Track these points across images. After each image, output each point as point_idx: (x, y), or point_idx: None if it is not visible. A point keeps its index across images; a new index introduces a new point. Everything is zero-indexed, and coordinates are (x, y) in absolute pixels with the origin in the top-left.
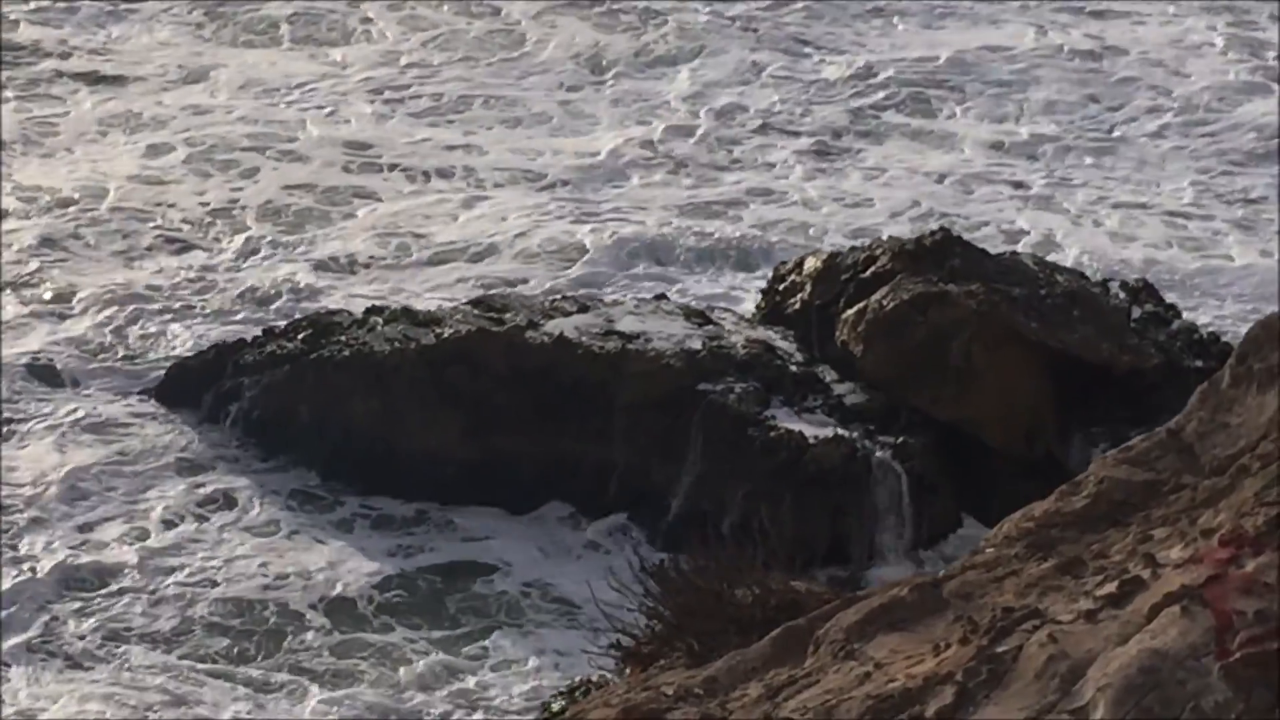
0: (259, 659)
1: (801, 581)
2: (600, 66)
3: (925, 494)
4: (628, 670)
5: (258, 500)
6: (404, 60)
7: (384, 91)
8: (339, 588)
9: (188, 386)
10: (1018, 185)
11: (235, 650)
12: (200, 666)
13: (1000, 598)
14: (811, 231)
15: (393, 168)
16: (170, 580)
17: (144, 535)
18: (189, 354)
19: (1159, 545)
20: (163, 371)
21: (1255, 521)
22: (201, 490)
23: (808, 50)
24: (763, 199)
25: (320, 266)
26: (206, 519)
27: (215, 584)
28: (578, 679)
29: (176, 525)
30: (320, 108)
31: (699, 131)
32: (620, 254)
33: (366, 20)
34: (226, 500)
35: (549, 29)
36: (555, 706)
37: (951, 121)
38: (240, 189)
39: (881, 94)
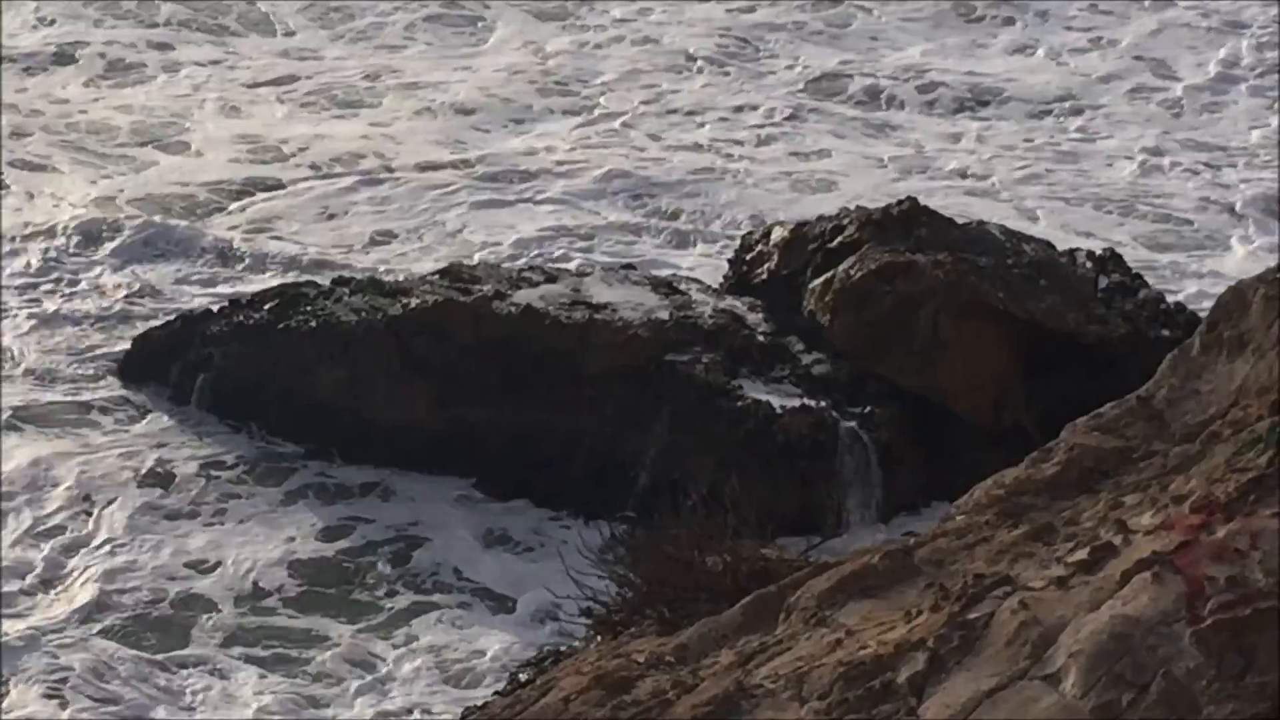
0: (179, 643)
1: (772, 549)
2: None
3: (893, 463)
4: (598, 638)
5: (214, 474)
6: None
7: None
8: (274, 565)
9: (153, 358)
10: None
11: (154, 634)
12: (118, 651)
13: (972, 565)
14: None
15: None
16: (104, 558)
17: (89, 513)
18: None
19: (1130, 512)
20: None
21: (1226, 488)
22: (158, 464)
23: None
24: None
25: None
26: (156, 494)
27: (136, 567)
28: (545, 649)
29: (124, 501)
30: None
31: (622, 121)
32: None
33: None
34: (180, 476)
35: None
36: (522, 677)
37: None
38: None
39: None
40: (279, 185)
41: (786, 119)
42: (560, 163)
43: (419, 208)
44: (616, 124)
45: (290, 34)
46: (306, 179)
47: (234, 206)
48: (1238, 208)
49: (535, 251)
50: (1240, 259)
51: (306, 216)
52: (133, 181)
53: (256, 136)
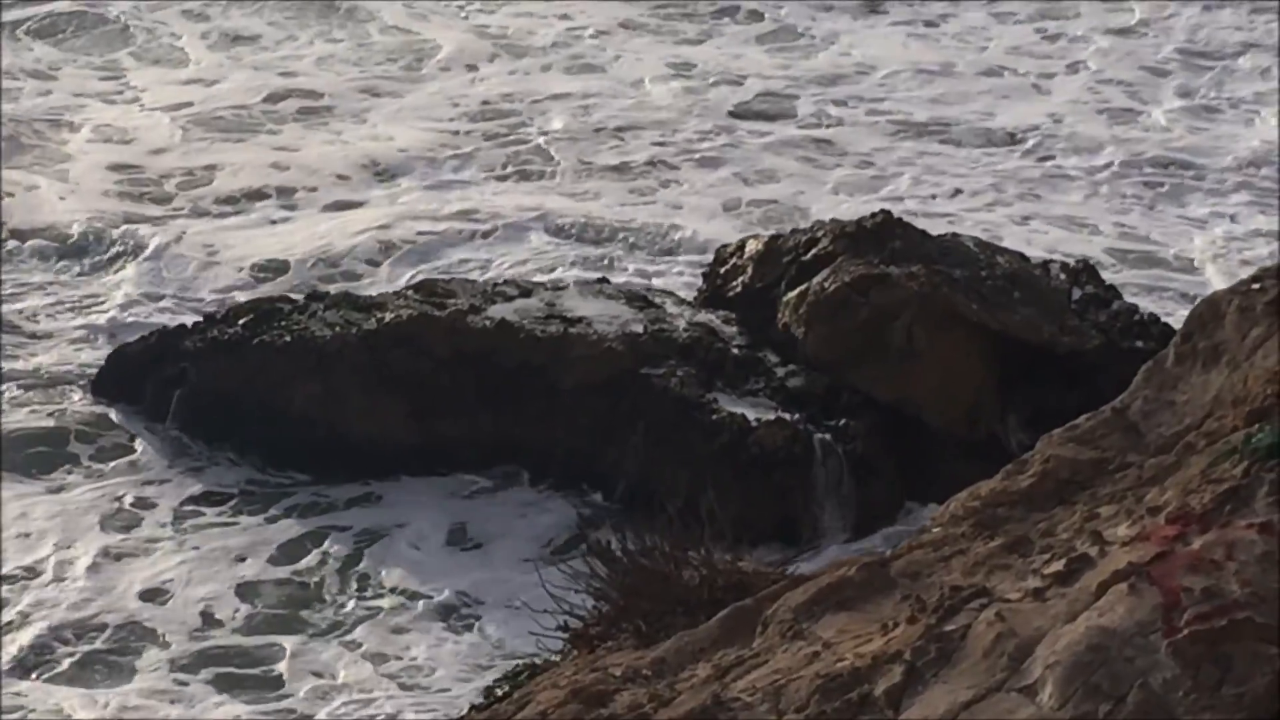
0: (125, 678)
1: (748, 562)
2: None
3: (868, 475)
4: (575, 652)
5: (184, 493)
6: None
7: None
8: (239, 585)
9: (128, 373)
10: None
11: (104, 667)
12: (61, 687)
13: (948, 577)
14: None
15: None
16: (70, 582)
17: (52, 537)
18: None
19: (1106, 523)
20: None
21: (1202, 499)
22: (130, 484)
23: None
24: None
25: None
26: (128, 515)
27: (95, 595)
28: (520, 663)
29: (89, 525)
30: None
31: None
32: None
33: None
34: (149, 495)
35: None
36: (499, 691)
37: None
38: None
39: None
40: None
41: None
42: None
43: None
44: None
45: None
46: (191, 209)
47: (115, 234)
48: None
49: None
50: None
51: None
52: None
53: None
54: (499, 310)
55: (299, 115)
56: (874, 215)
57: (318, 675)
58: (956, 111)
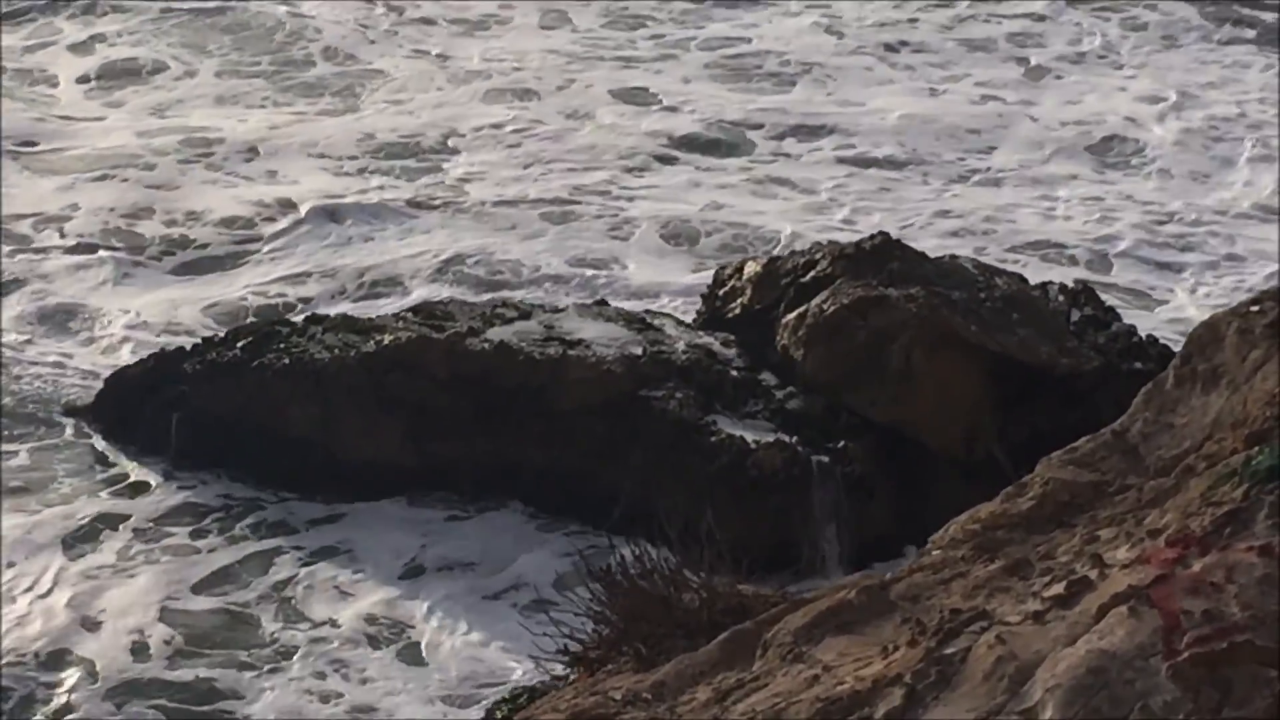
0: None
1: (748, 585)
2: None
3: (866, 497)
4: (575, 675)
5: (175, 515)
6: None
7: None
8: (202, 610)
9: (128, 397)
10: None
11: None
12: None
13: (948, 599)
14: None
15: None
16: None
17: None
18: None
19: (1106, 546)
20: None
21: (1201, 522)
22: (105, 505)
23: None
24: None
25: None
26: (95, 537)
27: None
28: (519, 686)
29: (79, 545)
30: None
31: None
32: None
33: None
34: (123, 515)
35: None
36: (499, 715)
37: None
38: None
39: None
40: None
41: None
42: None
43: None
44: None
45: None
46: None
47: None
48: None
49: None
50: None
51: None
52: None
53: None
54: (498, 332)
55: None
56: (872, 237)
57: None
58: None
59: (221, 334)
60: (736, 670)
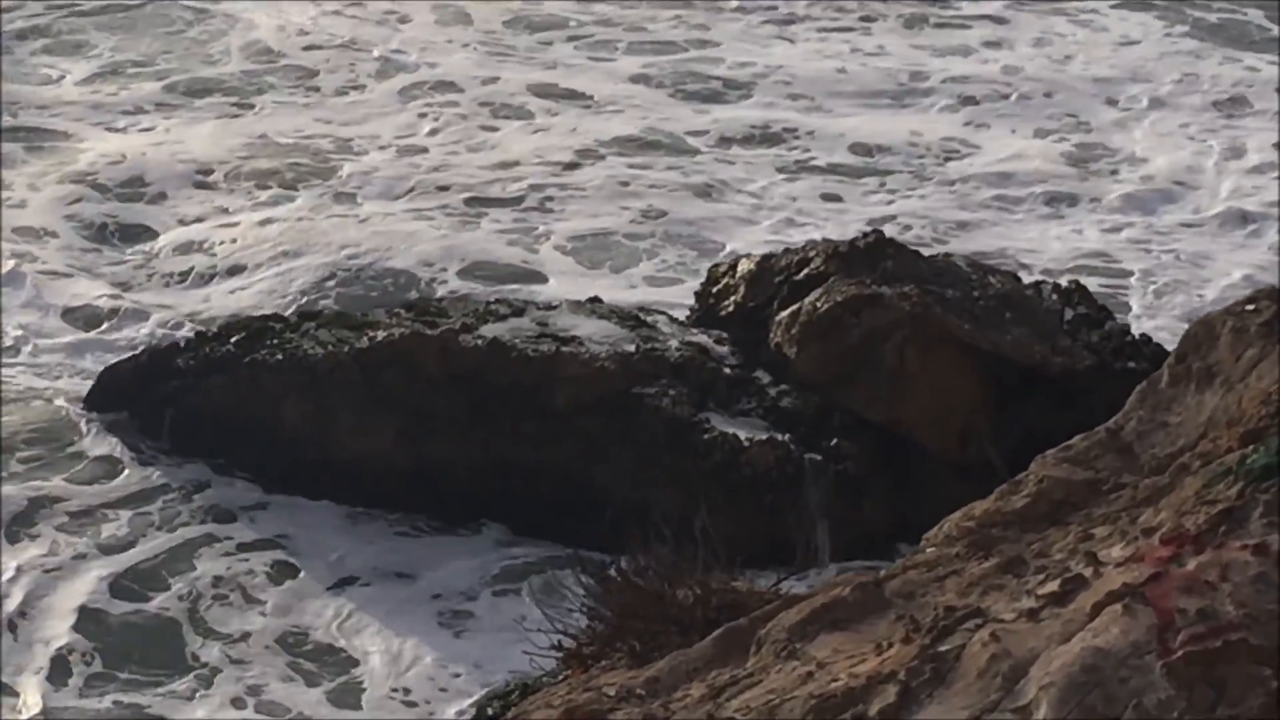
0: None
1: (742, 582)
2: None
3: (859, 495)
4: (568, 671)
5: (157, 509)
6: None
7: None
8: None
9: (120, 391)
10: None
11: None
12: None
13: (942, 597)
14: None
15: None
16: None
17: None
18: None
19: (1100, 544)
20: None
21: (1196, 520)
22: (92, 504)
23: None
24: None
25: None
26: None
27: None
28: (511, 683)
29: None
30: None
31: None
32: None
33: None
34: (117, 508)
35: None
36: (490, 710)
37: None
38: None
39: None
40: None
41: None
42: None
43: None
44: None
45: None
46: None
47: None
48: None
49: None
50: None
51: None
52: None
53: None
54: (491, 329)
55: None
56: (866, 235)
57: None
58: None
59: (214, 329)
60: (730, 667)
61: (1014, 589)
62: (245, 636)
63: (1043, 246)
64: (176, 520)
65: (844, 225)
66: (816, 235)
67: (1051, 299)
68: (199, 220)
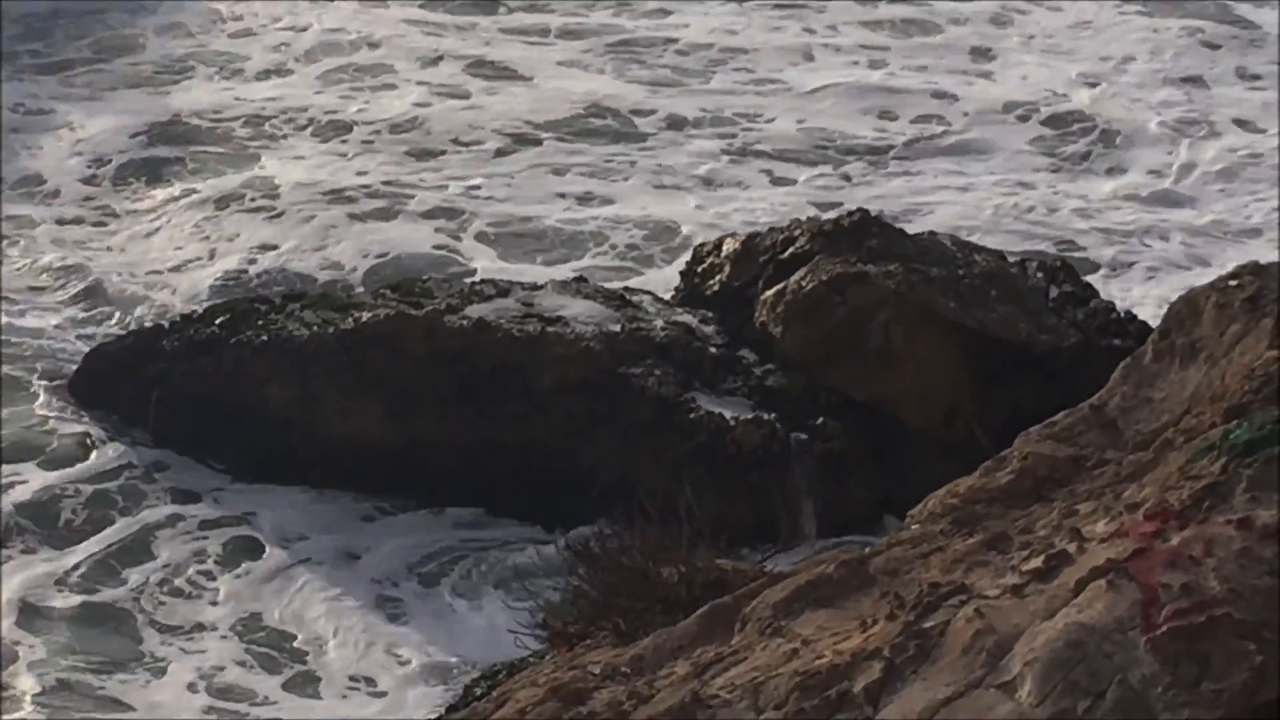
0: None
1: (727, 560)
2: None
3: (845, 474)
4: (553, 650)
5: (132, 496)
6: None
7: None
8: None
9: (106, 374)
10: None
11: None
12: None
13: (926, 574)
14: None
15: None
16: None
17: None
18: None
19: (1084, 520)
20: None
21: (1180, 495)
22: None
23: None
24: None
25: None
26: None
27: None
28: (497, 663)
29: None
30: None
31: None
32: None
33: None
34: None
35: None
36: (477, 690)
37: None
38: None
39: None
40: None
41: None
42: None
43: None
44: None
45: None
46: None
47: None
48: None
49: None
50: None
51: None
52: None
53: None
54: (476, 310)
55: None
56: (851, 214)
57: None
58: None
59: (199, 310)
60: (715, 644)
61: (998, 565)
62: (200, 627)
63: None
64: (141, 504)
65: (796, 210)
66: (766, 220)
67: (1037, 277)
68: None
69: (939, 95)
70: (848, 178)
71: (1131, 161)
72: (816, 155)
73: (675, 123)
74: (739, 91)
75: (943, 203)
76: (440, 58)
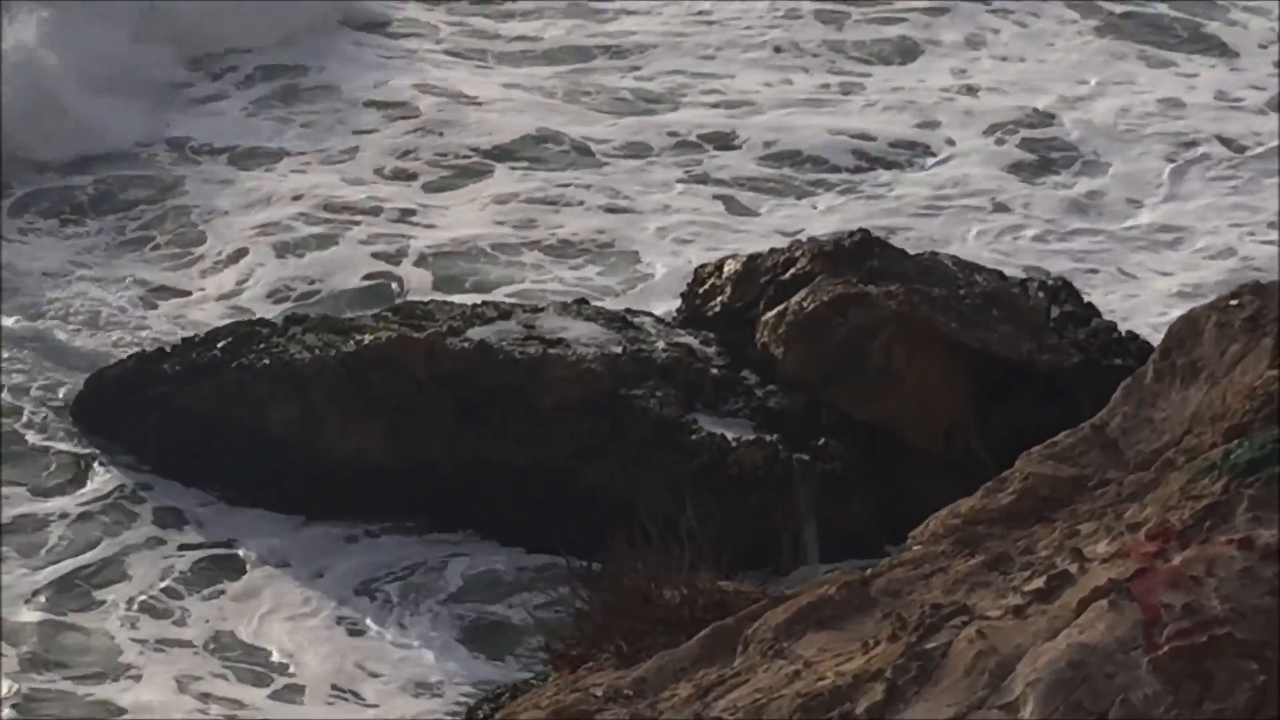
0: None
1: (729, 582)
2: None
3: (847, 493)
4: (555, 672)
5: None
6: None
7: None
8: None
9: (108, 398)
10: None
11: None
12: None
13: (928, 595)
14: None
15: None
16: None
17: None
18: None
19: (1085, 540)
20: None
21: (1181, 515)
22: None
23: None
24: None
25: None
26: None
27: None
28: (499, 686)
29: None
30: None
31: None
32: None
33: None
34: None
35: None
36: (480, 713)
37: None
38: None
39: None
40: None
41: None
42: None
43: None
44: None
45: None
46: None
47: None
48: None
49: None
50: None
51: None
52: None
53: None
54: (478, 332)
55: None
56: (852, 234)
57: None
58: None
59: (201, 335)
60: (717, 666)
61: (1000, 586)
62: (177, 642)
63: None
64: (127, 526)
65: (757, 240)
66: (727, 249)
67: (1038, 296)
68: None
69: (914, 117)
70: (814, 206)
71: (1109, 183)
72: (784, 181)
73: (634, 148)
74: (704, 114)
75: (912, 229)
76: (387, 80)
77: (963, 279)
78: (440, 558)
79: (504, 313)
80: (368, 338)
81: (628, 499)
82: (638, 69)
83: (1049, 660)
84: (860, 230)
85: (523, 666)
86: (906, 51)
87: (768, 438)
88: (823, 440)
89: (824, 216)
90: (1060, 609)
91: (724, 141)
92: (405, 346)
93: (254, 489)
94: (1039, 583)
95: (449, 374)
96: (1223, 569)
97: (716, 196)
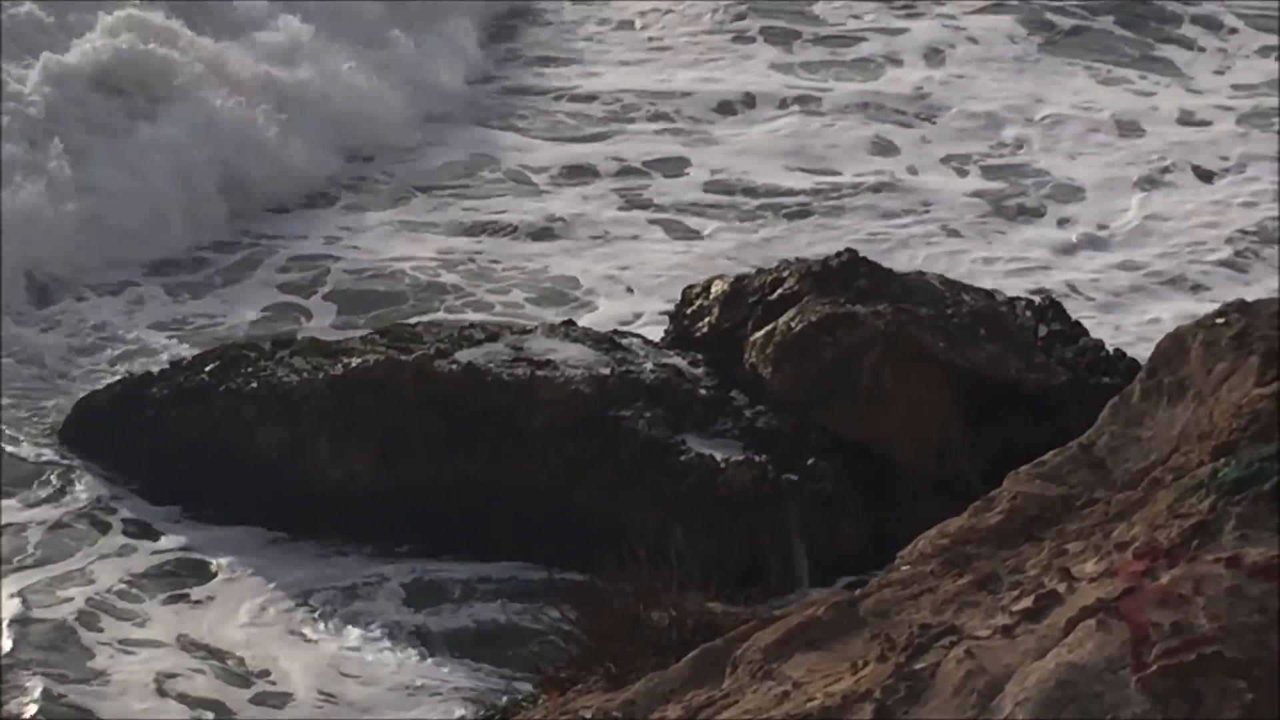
0: None
1: (718, 603)
2: None
3: (836, 514)
4: (545, 695)
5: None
6: None
7: None
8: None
9: (96, 422)
10: None
11: None
12: None
13: (917, 615)
14: None
15: None
16: None
17: None
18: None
19: (1074, 559)
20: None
21: (1169, 534)
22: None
23: None
24: None
25: None
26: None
27: None
28: (490, 708)
29: None
30: None
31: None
32: None
33: None
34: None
35: None
36: None
37: None
38: None
39: None
40: None
41: None
42: None
43: None
44: None
45: None
46: None
47: None
48: None
49: None
50: None
51: None
52: None
53: None
54: (466, 354)
55: None
56: (839, 254)
57: None
58: None
59: (189, 359)
60: (707, 688)
61: (988, 606)
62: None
63: None
64: (99, 541)
65: (708, 265)
66: (677, 275)
67: (1025, 315)
68: None
69: (874, 143)
70: (767, 236)
71: (1075, 212)
72: (733, 208)
73: (575, 172)
74: (652, 140)
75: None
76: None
77: (950, 298)
78: (429, 572)
79: (492, 335)
80: (355, 361)
81: (617, 520)
82: (583, 92)
83: (1038, 680)
84: (847, 250)
85: (506, 682)
86: (865, 71)
87: (757, 458)
88: (812, 460)
89: (770, 245)
90: (1049, 628)
91: (672, 169)
92: (394, 369)
93: (244, 512)
94: (1027, 602)
95: (438, 396)
96: (1211, 587)
97: (653, 221)
